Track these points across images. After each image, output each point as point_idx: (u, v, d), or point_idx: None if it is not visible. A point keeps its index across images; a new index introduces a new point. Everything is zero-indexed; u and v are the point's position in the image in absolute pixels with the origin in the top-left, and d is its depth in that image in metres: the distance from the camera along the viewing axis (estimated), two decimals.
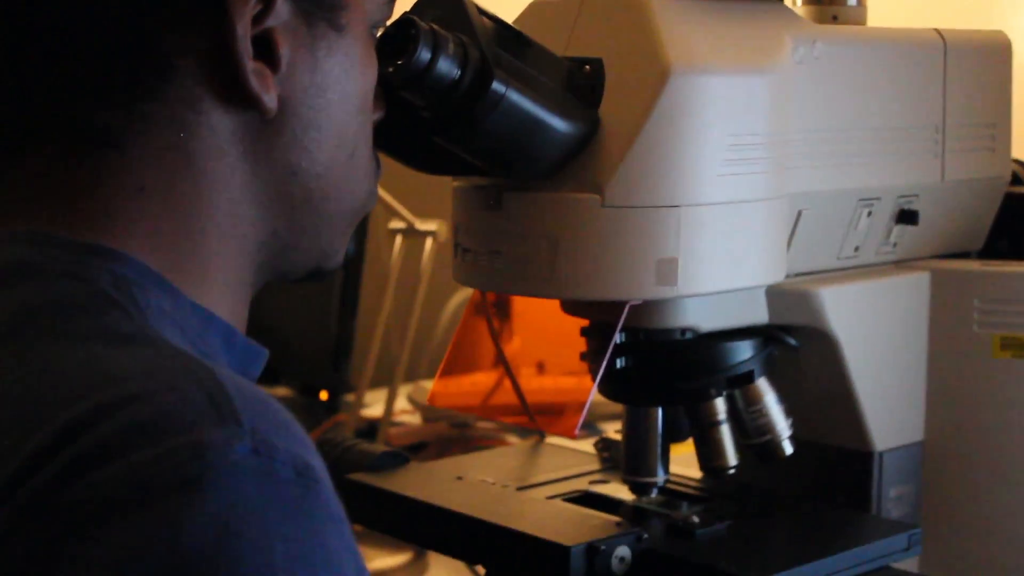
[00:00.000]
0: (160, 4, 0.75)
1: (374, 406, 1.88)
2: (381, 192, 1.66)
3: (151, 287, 0.75)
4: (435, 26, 0.94)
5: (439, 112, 0.96)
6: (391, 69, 0.92)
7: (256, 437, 0.63)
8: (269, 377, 2.06)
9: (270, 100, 0.78)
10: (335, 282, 1.78)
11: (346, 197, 0.87)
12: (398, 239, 1.73)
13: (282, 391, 2.13)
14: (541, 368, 1.67)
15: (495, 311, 1.23)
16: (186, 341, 0.73)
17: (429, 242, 1.70)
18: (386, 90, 0.92)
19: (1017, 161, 1.29)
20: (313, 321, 1.87)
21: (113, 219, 0.77)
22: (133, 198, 0.77)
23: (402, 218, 1.72)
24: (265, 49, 0.78)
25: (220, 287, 0.81)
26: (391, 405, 1.76)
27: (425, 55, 0.92)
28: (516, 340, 1.46)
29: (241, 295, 0.83)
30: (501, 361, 1.23)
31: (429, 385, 1.77)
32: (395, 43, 0.92)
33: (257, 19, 0.77)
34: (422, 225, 1.70)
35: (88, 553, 0.60)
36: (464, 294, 1.85)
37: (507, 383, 1.25)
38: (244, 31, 0.76)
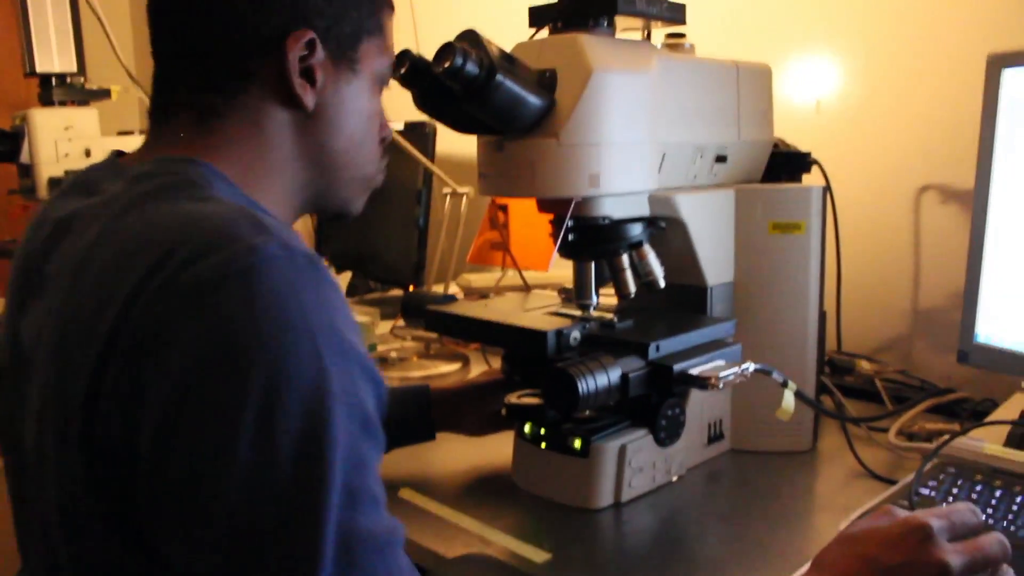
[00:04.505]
0: (251, 39, 0.73)
1: (437, 291, 1.79)
2: (437, 170, 1.65)
3: (216, 179, 0.71)
4: (466, 46, 0.92)
5: (468, 93, 0.93)
6: (440, 69, 0.90)
7: (280, 240, 0.61)
8: (380, 279, 1.95)
9: (309, 102, 0.76)
10: (415, 225, 1.69)
11: (356, 168, 0.82)
12: (448, 198, 1.64)
13: (394, 291, 2.03)
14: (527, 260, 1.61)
15: (501, 214, 1.18)
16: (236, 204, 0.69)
17: (465, 199, 1.61)
18: (438, 81, 0.90)
19: (777, 136, 1.24)
20: (403, 248, 1.76)
21: (208, 150, 0.74)
22: (224, 142, 0.74)
23: (449, 185, 1.62)
24: (309, 74, 0.75)
25: (269, 200, 0.76)
26: (446, 289, 1.68)
27: (459, 60, 0.90)
28: (514, 238, 1.41)
29: (286, 214, 0.79)
30: (504, 245, 1.19)
31: (467, 278, 1.73)
32: (443, 55, 0.91)
33: (305, 57, 0.75)
34: (461, 189, 1.61)
35: (199, 314, 0.58)
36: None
37: (509, 260, 1.21)
38: (294, 61, 0.74)
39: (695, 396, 1.12)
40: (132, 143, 1.84)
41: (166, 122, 0.76)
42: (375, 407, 0.63)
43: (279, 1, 0.73)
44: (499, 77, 0.92)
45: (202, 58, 0.74)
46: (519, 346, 1.04)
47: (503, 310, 1.11)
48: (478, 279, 1.72)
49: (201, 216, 0.63)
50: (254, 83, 0.74)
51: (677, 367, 0.95)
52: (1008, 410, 1.12)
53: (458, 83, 0.92)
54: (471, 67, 0.91)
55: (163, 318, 0.58)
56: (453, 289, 1.73)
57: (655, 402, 1.02)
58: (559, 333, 0.99)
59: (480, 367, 1.47)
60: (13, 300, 0.74)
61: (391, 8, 0.83)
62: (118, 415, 0.59)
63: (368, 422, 0.61)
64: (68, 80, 1.78)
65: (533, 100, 0.95)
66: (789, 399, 1.00)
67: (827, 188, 1.18)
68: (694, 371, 0.95)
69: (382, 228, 1.70)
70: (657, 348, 0.98)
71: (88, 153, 1.75)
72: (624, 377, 0.94)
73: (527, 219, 1.16)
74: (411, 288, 1.71)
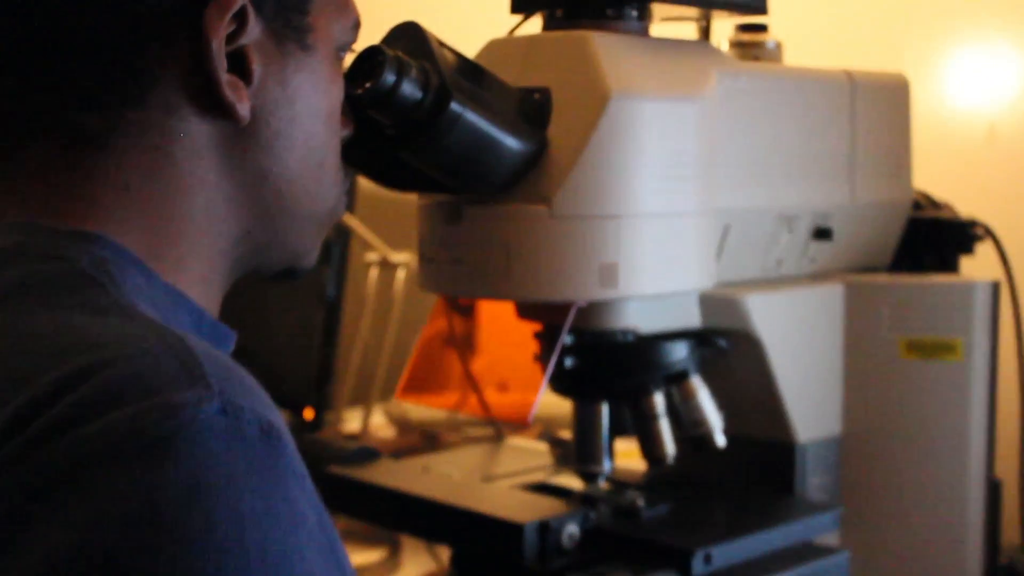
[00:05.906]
0: (142, 19, 0.73)
1: (353, 422, 1.82)
2: (357, 226, 1.67)
3: (127, 267, 0.72)
4: (401, 54, 0.92)
5: (404, 130, 0.94)
6: (360, 91, 0.90)
7: (224, 398, 0.60)
8: None
9: (243, 109, 0.75)
10: (318, 311, 1.72)
11: (315, 202, 0.83)
12: (373, 270, 1.67)
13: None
14: (503, 387, 1.60)
15: (459, 315, 1.18)
16: (158, 315, 0.70)
17: (402, 272, 1.64)
18: (356, 110, 0.90)
19: (919, 192, 1.27)
20: (298, 346, 1.81)
21: (97, 210, 0.74)
22: (118, 193, 0.75)
23: (377, 251, 1.66)
24: (239, 64, 0.75)
25: (195, 275, 0.78)
26: (367, 419, 1.69)
27: (390, 78, 0.90)
28: (482, 359, 1.40)
29: (215, 284, 0.80)
30: (465, 372, 1.20)
31: (403, 403, 1.72)
32: (364, 68, 0.91)
33: (231, 37, 0.74)
34: (395, 257, 1.64)
35: (66, 507, 0.58)
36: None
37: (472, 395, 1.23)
38: (219, 47, 0.73)
39: None
40: None
41: (12, 155, 0.75)
42: None
43: None
44: (455, 106, 0.91)
45: (66, 57, 0.73)
46: (479, 544, 1.04)
47: (455, 479, 1.12)
48: (418, 409, 1.68)
49: (102, 343, 0.63)
50: (154, 88, 0.73)
51: None
52: None
53: (390, 114, 0.92)
54: (410, 89, 0.91)
55: (20, 499, 0.58)
56: (378, 419, 1.69)
57: None
58: (544, 527, 0.98)
59: (418, 561, 1.47)
60: None
61: None
62: None
63: None
64: None
65: (510, 143, 0.95)
66: None
67: (1002, 281, 1.19)
68: None
69: (266, 305, 1.66)
70: (707, 558, 0.97)
71: None
72: None
73: (502, 321, 1.16)
74: (307, 414, 1.69)
